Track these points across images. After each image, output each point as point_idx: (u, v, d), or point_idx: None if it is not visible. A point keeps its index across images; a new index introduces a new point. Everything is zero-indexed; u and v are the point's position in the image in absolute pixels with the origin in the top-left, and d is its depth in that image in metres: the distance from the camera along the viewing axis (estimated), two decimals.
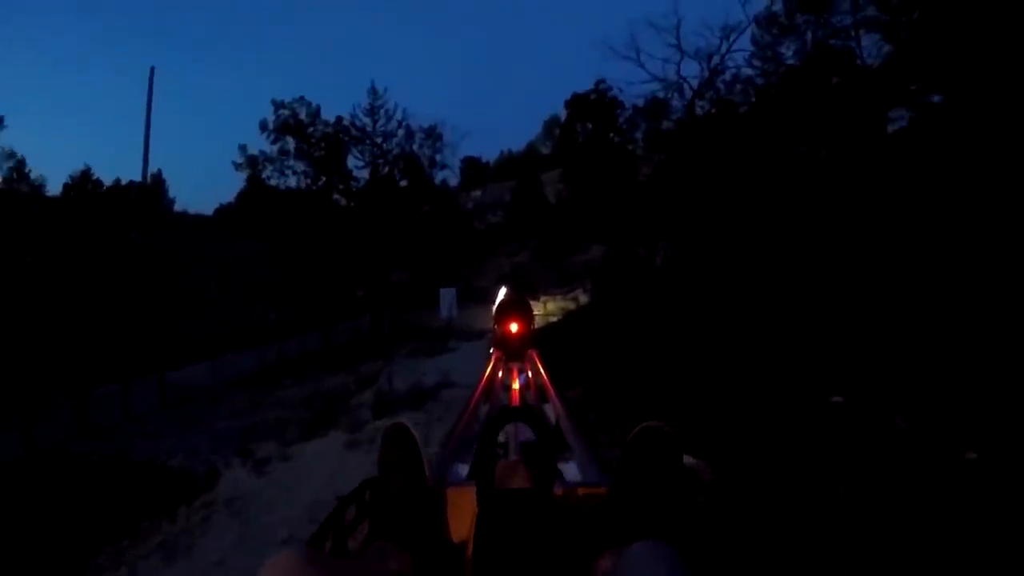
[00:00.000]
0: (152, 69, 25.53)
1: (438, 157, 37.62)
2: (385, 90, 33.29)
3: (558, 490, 1.06)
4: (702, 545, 0.93)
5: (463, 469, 1.40)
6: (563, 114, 34.25)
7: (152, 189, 59.34)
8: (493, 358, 2.77)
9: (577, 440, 1.53)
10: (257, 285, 34.28)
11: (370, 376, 16.23)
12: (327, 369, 20.10)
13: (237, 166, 31.11)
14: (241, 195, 36.21)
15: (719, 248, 19.75)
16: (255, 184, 32.85)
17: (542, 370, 2.40)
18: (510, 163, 73.90)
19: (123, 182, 34.15)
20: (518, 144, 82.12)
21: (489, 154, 77.32)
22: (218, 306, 33.60)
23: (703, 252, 20.50)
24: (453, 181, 50.59)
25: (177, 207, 49.56)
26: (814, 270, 14.66)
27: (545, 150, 71.02)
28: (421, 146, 36.71)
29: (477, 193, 63.34)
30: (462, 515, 1.09)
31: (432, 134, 36.69)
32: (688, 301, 16.73)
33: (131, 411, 19.08)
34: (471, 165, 68.00)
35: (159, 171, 63.10)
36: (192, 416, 16.66)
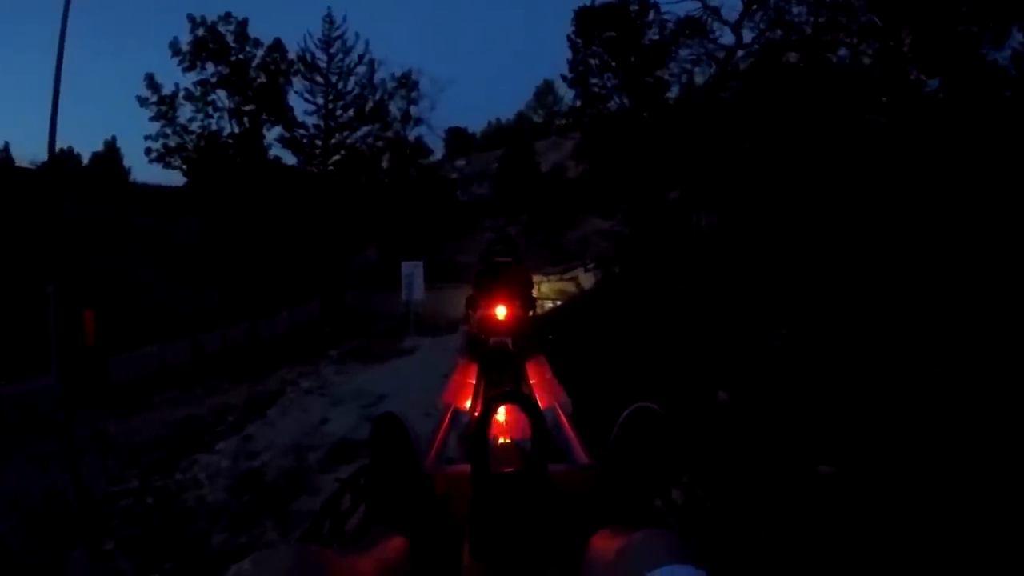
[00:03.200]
0: None
1: (413, 110, 31.13)
2: (344, 19, 26.60)
3: (551, 470, 1.00)
4: (696, 525, 0.91)
5: (454, 452, 1.42)
6: (556, 81, 28.29)
7: (105, 158, 53.61)
8: (448, 391, 1.83)
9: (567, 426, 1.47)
10: (203, 262, 28.74)
11: (269, 392, 10.31)
12: (228, 377, 14.20)
13: (142, 102, 24.24)
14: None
15: (778, 216, 13.85)
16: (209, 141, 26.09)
17: (564, 419, 1.56)
18: (498, 133, 67.08)
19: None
20: (507, 113, 74.65)
21: (475, 126, 70.28)
22: (155, 286, 28.74)
23: (759, 221, 14.50)
24: (431, 141, 44.53)
25: (147, 179, 43.01)
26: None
27: (537, 119, 64.84)
28: (392, 96, 30.27)
29: (461, 162, 56.97)
30: (457, 498, 1.07)
31: (406, 82, 30.19)
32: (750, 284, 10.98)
33: None
34: (456, 136, 61.67)
35: (113, 138, 56.63)
36: None
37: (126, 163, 52.54)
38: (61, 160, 43.95)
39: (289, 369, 12.39)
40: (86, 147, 71.66)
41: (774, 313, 8.64)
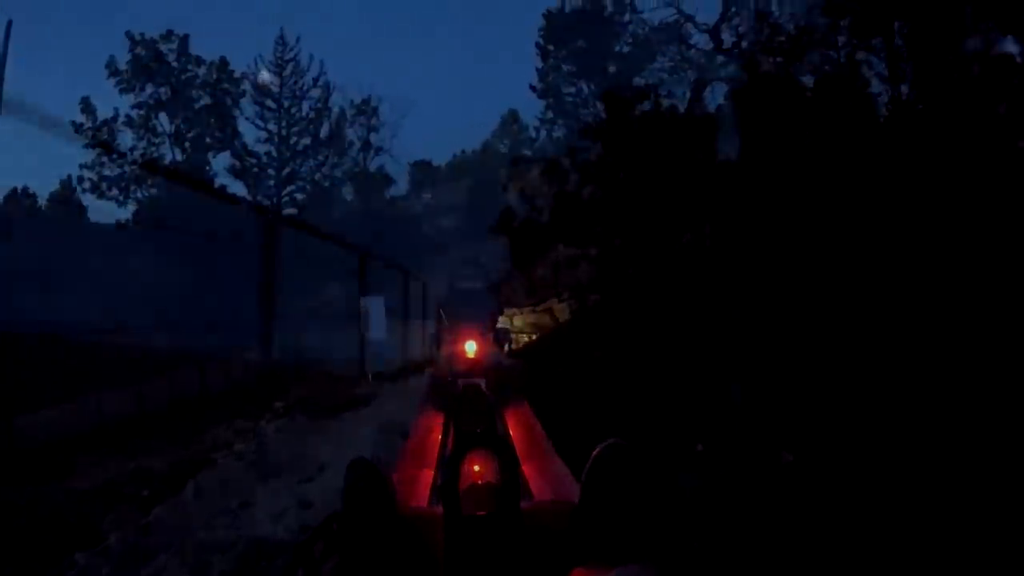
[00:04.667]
0: (9, 23, 17.44)
1: (373, 138, 29.73)
2: (298, 40, 25.14)
3: (524, 508, 1.00)
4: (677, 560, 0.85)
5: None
6: (521, 109, 29.37)
7: (62, 197, 51.37)
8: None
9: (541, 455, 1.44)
10: (156, 302, 26.84)
11: (196, 459, 8.60)
12: (167, 433, 12.43)
13: (77, 128, 22.43)
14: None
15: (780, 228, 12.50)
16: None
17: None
18: (464, 164, 66.05)
19: None
20: (472, 144, 73.74)
21: (440, 158, 69.08)
22: (105, 331, 26.76)
23: (758, 235, 13.11)
24: (395, 172, 43.24)
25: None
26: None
27: (503, 148, 64.05)
28: (352, 123, 28.88)
29: (427, 195, 55.70)
30: (432, 542, 1.03)
31: (365, 108, 28.81)
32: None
33: None
34: (421, 168, 60.61)
35: (69, 177, 54.12)
36: None
37: (85, 201, 50.50)
38: (12, 200, 41.96)
39: (227, 426, 10.63)
40: (46, 187, 68.97)
41: (806, 338, 7.17)
